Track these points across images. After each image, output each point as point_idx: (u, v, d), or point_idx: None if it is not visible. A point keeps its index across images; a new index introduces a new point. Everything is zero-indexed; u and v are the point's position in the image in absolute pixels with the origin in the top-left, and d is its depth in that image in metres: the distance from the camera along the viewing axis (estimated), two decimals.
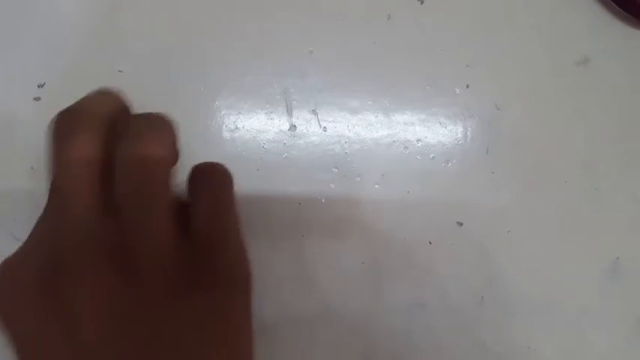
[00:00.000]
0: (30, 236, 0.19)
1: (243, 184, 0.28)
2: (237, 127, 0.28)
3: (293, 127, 0.29)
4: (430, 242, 0.29)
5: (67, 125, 0.19)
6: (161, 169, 0.18)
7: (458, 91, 0.30)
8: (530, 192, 0.30)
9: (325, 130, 0.29)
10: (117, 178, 0.18)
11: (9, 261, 0.19)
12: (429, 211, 0.29)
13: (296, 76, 0.29)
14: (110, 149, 0.18)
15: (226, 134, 0.28)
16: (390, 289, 0.29)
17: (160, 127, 0.19)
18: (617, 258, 0.30)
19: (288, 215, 0.28)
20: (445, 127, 0.30)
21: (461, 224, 0.29)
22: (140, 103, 0.28)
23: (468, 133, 0.30)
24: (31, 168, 0.28)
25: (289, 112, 0.29)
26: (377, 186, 0.29)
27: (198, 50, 0.28)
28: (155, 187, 0.18)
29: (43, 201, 0.27)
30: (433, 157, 0.29)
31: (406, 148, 0.29)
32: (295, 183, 0.28)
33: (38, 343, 0.17)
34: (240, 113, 0.29)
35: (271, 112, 0.29)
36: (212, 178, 0.21)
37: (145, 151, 0.18)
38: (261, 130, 0.29)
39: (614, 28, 0.31)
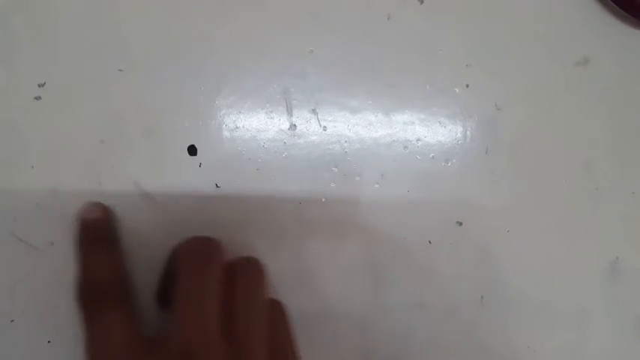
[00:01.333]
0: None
1: (243, 183, 0.28)
2: (237, 127, 0.28)
3: (293, 126, 0.29)
4: (430, 242, 0.29)
5: (199, 272, 0.23)
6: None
7: (457, 90, 0.30)
8: (530, 192, 0.30)
9: (325, 130, 0.29)
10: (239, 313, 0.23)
11: None
12: (428, 211, 0.29)
13: (296, 76, 0.29)
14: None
15: (226, 133, 0.28)
16: (389, 289, 0.29)
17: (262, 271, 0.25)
18: (617, 258, 0.30)
19: (288, 215, 0.29)
20: (445, 127, 0.30)
21: (460, 224, 0.29)
22: (140, 103, 0.28)
23: (468, 132, 0.30)
24: (32, 167, 0.28)
25: (289, 111, 0.29)
26: (377, 185, 0.29)
27: (198, 50, 0.28)
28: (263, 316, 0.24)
29: (42, 201, 0.27)
30: (433, 157, 0.29)
31: (406, 147, 0.29)
32: (295, 182, 0.28)
33: None
34: (240, 112, 0.29)
35: (271, 112, 0.29)
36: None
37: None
38: (261, 130, 0.29)
39: (614, 28, 0.31)
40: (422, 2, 0.30)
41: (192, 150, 0.28)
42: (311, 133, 0.29)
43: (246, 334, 0.22)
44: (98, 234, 0.26)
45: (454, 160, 0.29)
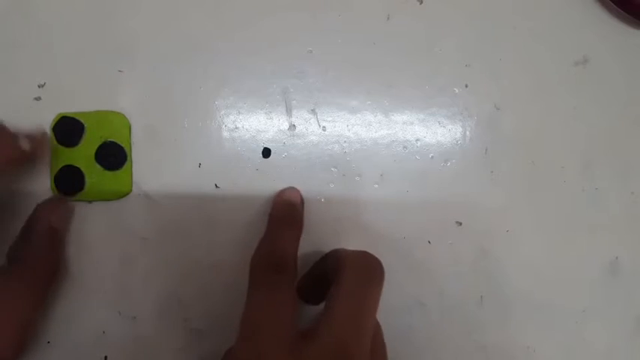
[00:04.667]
0: None
1: (243, 183, 0.28)
2: (236, 127, 0.29)
3: (292, 126, 0.29)
4: (429, 242, 0.29)
5: None
6: None
7: (457, 90, 0.30)
8: (529, 192, 0.30)
9: (324, 130, 0.29)
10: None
11: None
12: (428, 211, 0.29)
13: (295, 76, 0.29)
14: None
15: (226, 134, 0.28)
16: (389, 289, 0.29)
17: None
18: (617, 258, 0.30)
19: None
20: (444, 127, 0.30)
21: (460, 224, 0.29)
22: (140, 103, 0.28)
23: (467, 132, 0.30)
24: (32, 168, 0.28)
25: (289, 111, 0.29)
26: (376, 185, 0.29)
27: (198, 50, 0.29)
28: None
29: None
30: (432, 157, 0.29)
31: (405, 147, 0.29)
32: (295, 182, 0.29)
33: None
34: (239, 113, 0.29)
35: (271, 112, 0.29)
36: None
37: None
38: (260, 130, 0.29)
39: (614, 28, 0.31)
40: (421, 2, 0.30)
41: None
42: (310, 134, 0.29)
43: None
44: (293, 216, 0.27)
45: (453, 160, 0.29)
